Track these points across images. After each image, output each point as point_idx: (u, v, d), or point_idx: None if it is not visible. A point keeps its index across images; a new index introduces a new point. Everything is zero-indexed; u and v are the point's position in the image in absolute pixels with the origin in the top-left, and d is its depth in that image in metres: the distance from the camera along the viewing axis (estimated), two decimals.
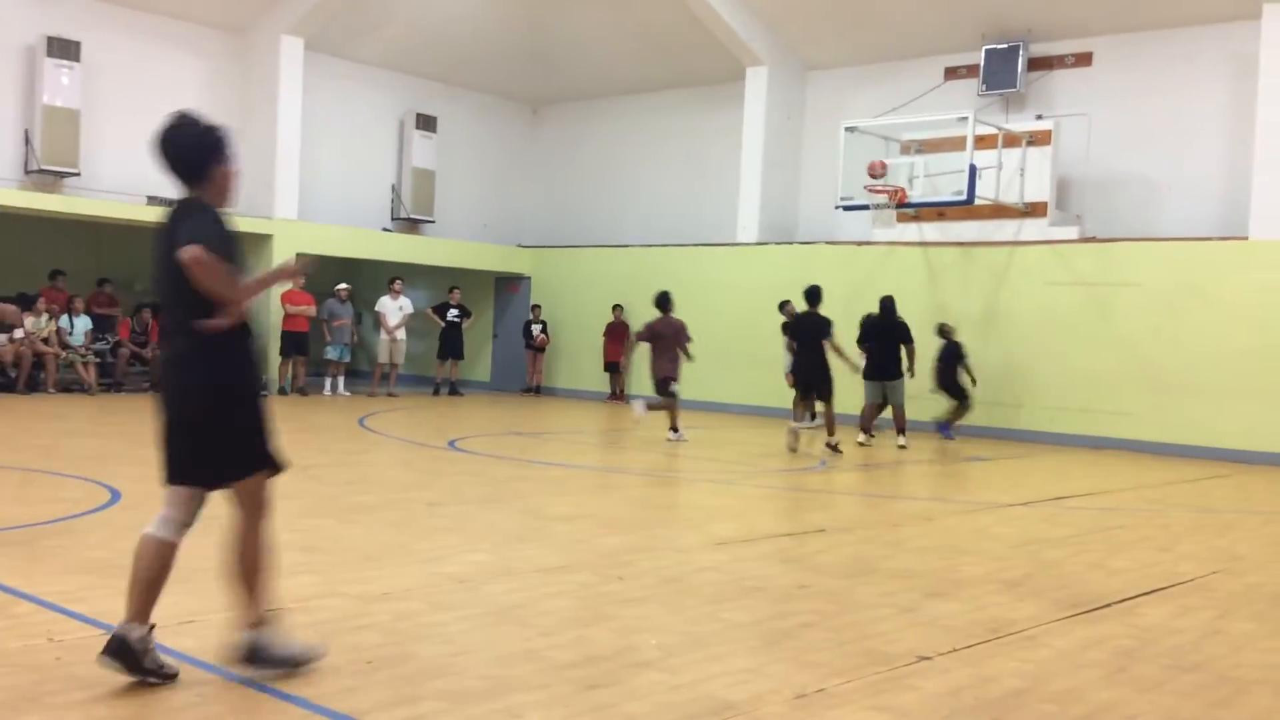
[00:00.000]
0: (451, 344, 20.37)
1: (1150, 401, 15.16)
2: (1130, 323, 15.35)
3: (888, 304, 14.46)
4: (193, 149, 4.15)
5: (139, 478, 8.66)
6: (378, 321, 19.59)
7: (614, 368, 20.22)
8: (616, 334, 19.85)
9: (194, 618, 4.86)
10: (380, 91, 20.82)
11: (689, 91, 21.08)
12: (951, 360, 15.39)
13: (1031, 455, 14.18)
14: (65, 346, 16.70)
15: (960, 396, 15.42)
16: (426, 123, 21.01)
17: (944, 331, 15.58)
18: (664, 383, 13.74)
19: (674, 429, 13.62)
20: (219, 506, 4.24)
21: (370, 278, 22.14)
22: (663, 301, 14.01)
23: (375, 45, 20.14)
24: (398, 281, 19.72)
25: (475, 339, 22.70)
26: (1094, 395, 15.57)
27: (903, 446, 13.83)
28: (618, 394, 20.24)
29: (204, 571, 5.70)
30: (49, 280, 17.64)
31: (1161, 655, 5.08)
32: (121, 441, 11.44)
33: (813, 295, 13.47)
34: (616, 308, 20.15)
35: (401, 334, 19.56)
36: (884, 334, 14.36)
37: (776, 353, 16.16)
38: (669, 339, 13.76)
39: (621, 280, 20.35)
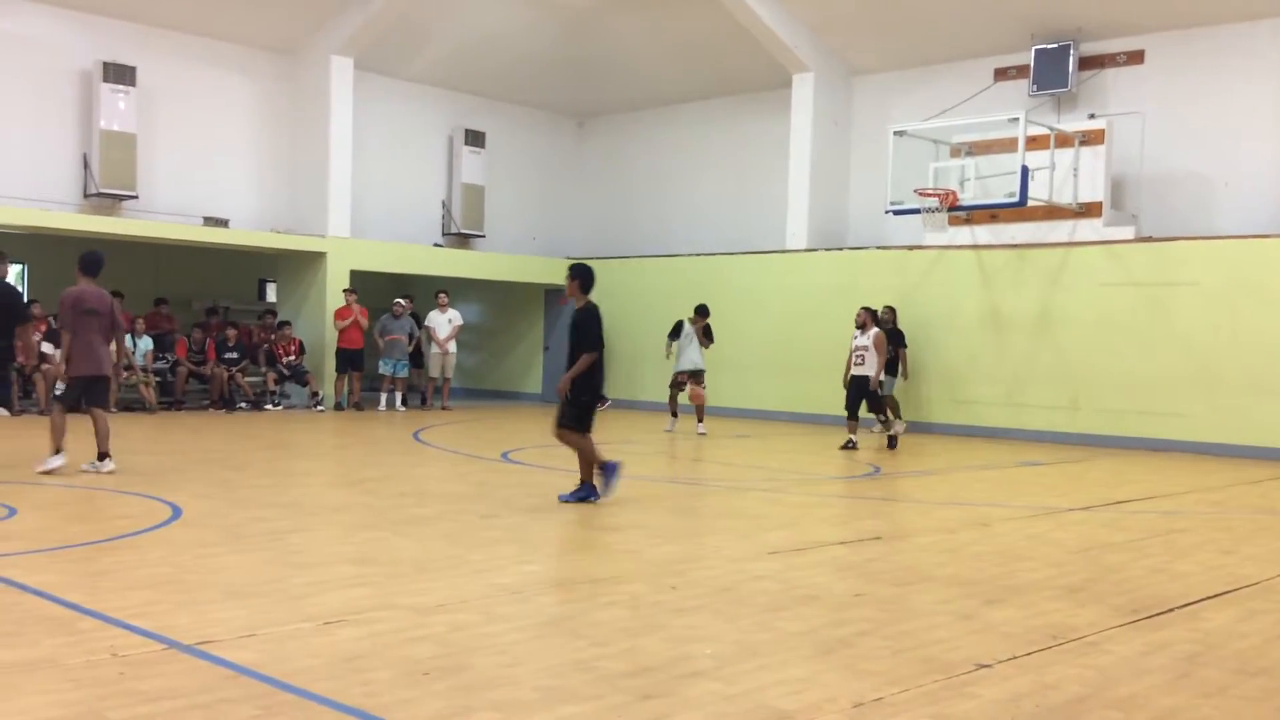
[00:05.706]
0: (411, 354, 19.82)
1: (1209, 402, 14.89)
2: (1188, 322, 15.09)
3: (889, 314, 16.54)
4: None
5: (200, 494, 8.79)
6: (429, 335, 19.69)
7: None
8: None
9: (254, 632, 4.92)
10: (428, 108, 21.01)
11: (734, 99, 21.06)
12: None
13: (1089, 459, 13.98)
14: (128, 367, 16.97)
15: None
16: (475, 138, 21.16)
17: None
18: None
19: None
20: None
21: (423, 293, 22.33)
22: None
23: (422, 63, 20.34)
24: (443, 295, 19.84)
25: (526, 351, 22.83)
26: (1152, 397, 15.33)
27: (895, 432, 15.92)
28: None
29: (263, 588, 5.78)
30: None
31: (1227, 660, 4.98)
32: (181, 459, 11.61)
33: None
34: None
35: (452, 346, 19.66)
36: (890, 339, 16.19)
37: (828, 359, 16.10)
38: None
39: (671, 290, 20.34)
